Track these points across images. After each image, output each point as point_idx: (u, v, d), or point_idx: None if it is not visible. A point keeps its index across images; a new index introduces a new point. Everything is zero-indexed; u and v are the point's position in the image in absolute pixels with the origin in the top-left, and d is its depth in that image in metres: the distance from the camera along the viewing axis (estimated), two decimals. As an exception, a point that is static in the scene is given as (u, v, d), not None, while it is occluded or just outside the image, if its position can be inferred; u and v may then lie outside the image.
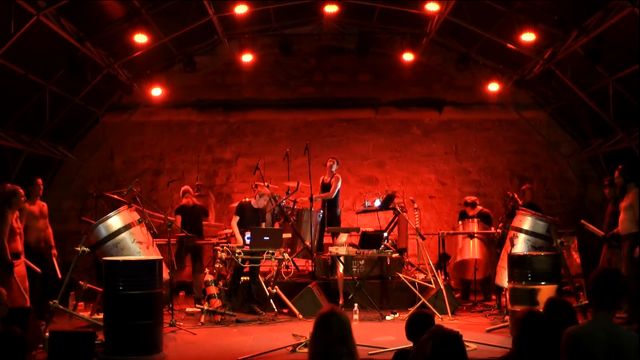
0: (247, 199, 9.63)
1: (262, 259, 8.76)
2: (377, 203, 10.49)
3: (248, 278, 9.13)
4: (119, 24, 9.44)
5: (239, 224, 9.29)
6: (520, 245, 8.29)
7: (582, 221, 9.16)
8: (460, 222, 10.51)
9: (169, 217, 8.99)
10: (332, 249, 9.21)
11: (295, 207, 10.15)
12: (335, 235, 9.99)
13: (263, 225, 9.46)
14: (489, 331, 7.74)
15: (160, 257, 7.23)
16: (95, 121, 12.12)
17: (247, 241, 8.95)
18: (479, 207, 10.54)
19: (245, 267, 8.78)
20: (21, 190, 7.39)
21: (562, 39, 9.63)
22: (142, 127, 12.40)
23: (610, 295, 3.55)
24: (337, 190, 10.44)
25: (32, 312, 6.78)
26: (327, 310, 3.50)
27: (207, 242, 10.27)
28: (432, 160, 12.56)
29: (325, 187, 10.47)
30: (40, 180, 8.85)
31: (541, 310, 4.05)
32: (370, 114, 12.58)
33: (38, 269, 7.79)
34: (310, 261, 10.16)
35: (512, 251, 8.21)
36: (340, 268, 9.01)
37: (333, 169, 10.53)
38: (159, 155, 12.42)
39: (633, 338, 3.46)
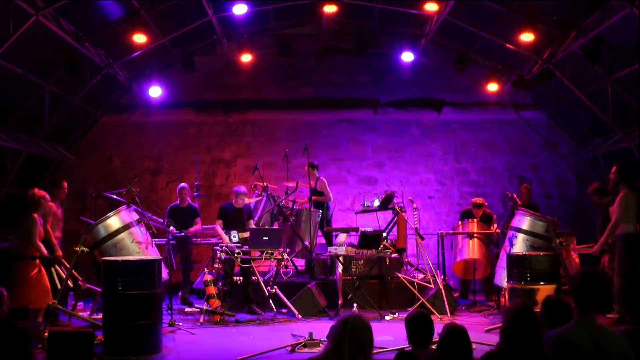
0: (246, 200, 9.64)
1: (261, 259, 8.78)
2: (376, 203, 10.48)
3: (241, 278, 9.12)
4: (117, 24, 9.43)
5: (225, 226, 9.32)
6: (519, 245, 8.30)
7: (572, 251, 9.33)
8: (460, 222, 10.52)
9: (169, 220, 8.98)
10: (332, 249, 9.22)
11: (295, 207, 10.15)
12: (329, 237, 10.02)
13: (251, 223, 9.47)
14: (487, 331, 7.74)
15: (159, 257, 7.24)
16: (94, 121, 12.12)
17: (234, 239, 9.04)
18: (484, 209, 10.55)
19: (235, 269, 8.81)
20: (47, 196, 7.44)
21: (560, 39, 9.63)
22: (141, 127, 12.38)
23: (594, 297, 3.52)
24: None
25: (31, 312, 6.79)
26: (362, 317, 3.40)
27: (206, 242, 10.27)
28: (431, 161, 12.56)
29: (315, 192, 10.43)
30: (65, 184, 8.91)
31: (538, 309, 4.06)
32: (369, 114, 12.58)
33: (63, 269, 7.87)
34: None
35: (511, 251, 8.22)
36: (340, 268, 9.02)
37: (316, 173, 10.53)
38: (158, 155, 12.41)
39: (618, 339, 3.42)
